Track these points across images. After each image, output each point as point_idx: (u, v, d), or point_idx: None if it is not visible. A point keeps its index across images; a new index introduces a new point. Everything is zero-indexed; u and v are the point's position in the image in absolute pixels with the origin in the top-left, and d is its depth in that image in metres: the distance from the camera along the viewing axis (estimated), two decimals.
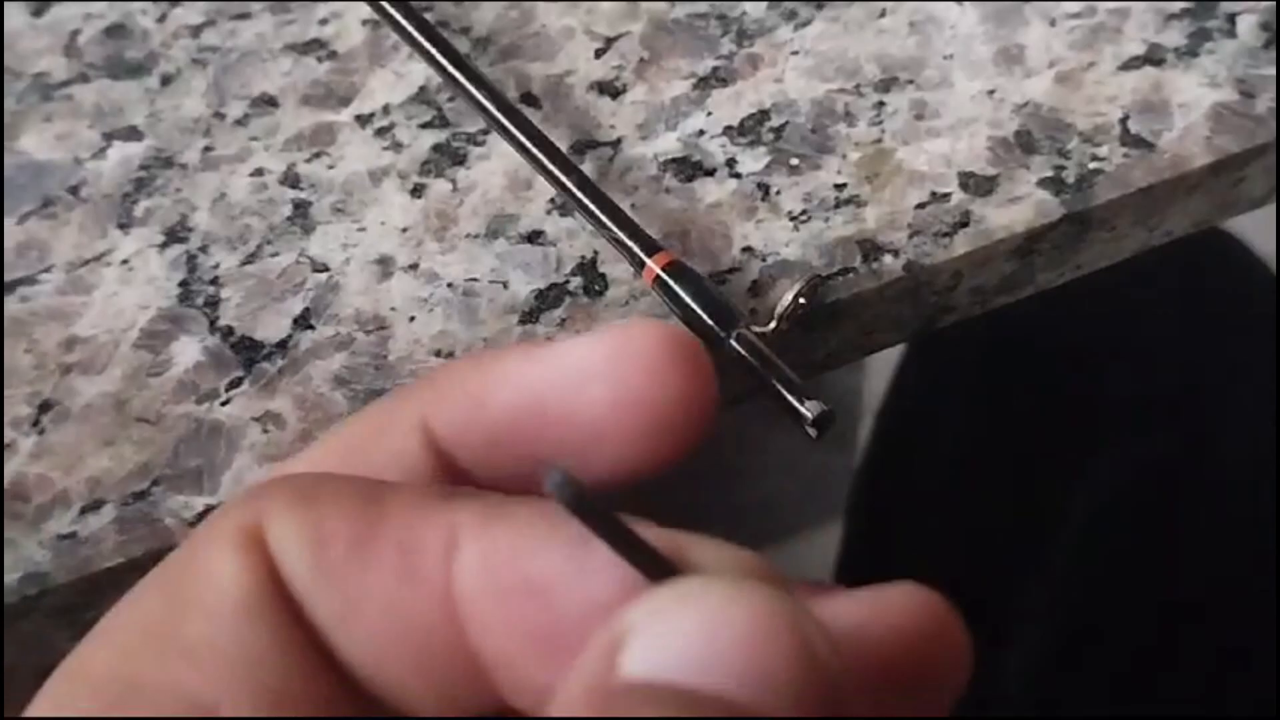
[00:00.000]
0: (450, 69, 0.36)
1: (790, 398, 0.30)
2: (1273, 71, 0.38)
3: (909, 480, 0.71)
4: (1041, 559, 0.62)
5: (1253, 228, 0.66)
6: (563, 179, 0.34)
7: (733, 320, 0.32)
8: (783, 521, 1.18)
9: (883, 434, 0.72)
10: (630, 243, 0.33)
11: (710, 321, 0.32)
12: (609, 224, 0.33)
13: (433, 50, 0.37)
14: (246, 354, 0.35)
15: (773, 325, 0.32)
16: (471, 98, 0.36)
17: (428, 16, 0.41)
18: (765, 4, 0.41)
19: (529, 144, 0.35)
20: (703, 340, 0.31)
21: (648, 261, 0.33)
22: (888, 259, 0.36)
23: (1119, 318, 0.65)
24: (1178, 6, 0.39)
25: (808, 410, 0.30)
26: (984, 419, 0.68)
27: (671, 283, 0.32)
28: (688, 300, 0.32)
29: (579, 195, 0.34)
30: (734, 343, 0.31)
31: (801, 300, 0.32)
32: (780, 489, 1.16)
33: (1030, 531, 0.63)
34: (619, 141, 0.38)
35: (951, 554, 0.67)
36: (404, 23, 0.37)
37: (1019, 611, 0.61)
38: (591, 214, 0.34)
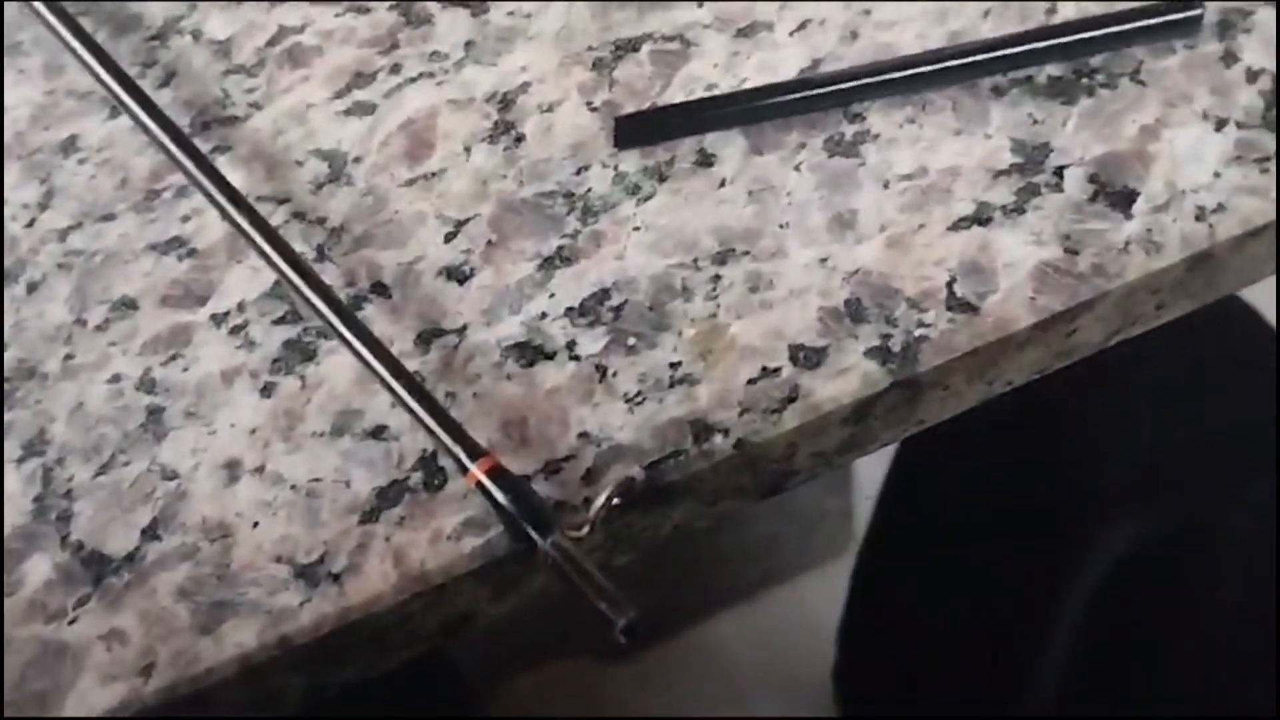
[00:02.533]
0: (287, 272, 0.37)
1: (601, 605, 0.31)
2: (1098, 226, 0.39)
3: (912, 557, 0.72)
4: (1046, 635, 0.62)
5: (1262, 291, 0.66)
6: (392, 384, 0.35)
7: (548, 527, 0.32)
8: (786, 561, 1.20)
9: (886, 508, 0.73)
10: (454, 447, 0.34)
11: (527, 528, 0.32)
12: (435, 429, 0.34)
13: (271, 253, 0.38)
14: (95, 569, 0.36)
15: (586, 530, 0.32)
16: (308, 302, 0.37)
17: (285, 207, 0.42)
18: (610, 179, 0.42)
19: (361, 348, 0.36)
20: (521, 544, 0.32)
21: (470, 467, 0.34)
22: (718, 439, 0.36)
23: (1121, 390, 0.65)
24: (1007, 162, 0.40)
25: (617, 619, 0.31)
26: (986, 495, 0.68)
27: (491, 489, 0.33)
28: (505, 506, 0.33)
29: (408, 400, 0.35)
30: (549, 549, 0.32)
31: (616, 500, 0.33)
32: (783, 532, 1.17)
33: (1034, 609, 0.63)
34: (464, 328, 0.39)
35: (955, 633, 0.67)
36: (244, 225, 0.38)
37: (1027, 685, 0.62)
38: (419, 419, 0.34)
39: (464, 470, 0.34)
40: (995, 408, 0.55)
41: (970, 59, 0.42)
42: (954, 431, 0.66)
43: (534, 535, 0.32)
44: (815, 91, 0.43)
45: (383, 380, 0.35)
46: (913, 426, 0.39)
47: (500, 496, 0.33)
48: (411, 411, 0.35)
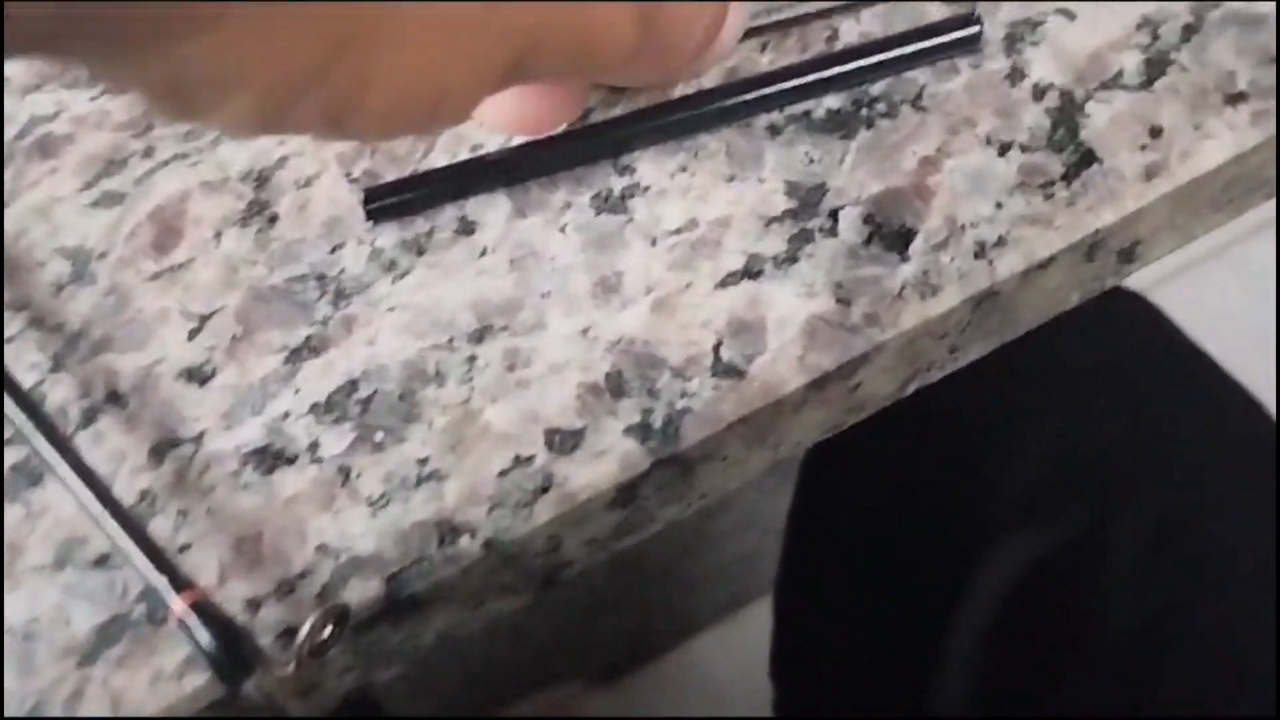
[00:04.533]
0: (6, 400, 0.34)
1: None
2: (872, 271, 0.36)
3: (824, 582, 0.70)
4: (943, 655, 0.60)
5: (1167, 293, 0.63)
6: (96, 513, 0.32)
7: (247, 669, 0.29)
8: (765, 575, 1.19)
9: (794, 532, 0.71)
10: (157, 580, 0.31)
11: (230, 669, 0.29)
12: (137, 561, 0.31)
13: None
14: None
15: (292, 666, 0.29)
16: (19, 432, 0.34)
17: (23, 314, 0.39)
18: (365, 257, 0.39)
19: (71, 478, 0.33)
20: (223, 682, 0.29)
21: (170, 603, 0.30)
22: (464, 540, 0.33)
23: (1022, 392, 0.63)
24: (780, 207, 0.37)
25: None
26: (884, 512, 0.66)
27: (190, 627, 0.30)
28: (204, 647, 0.30)
29: (111, 529, 0.32)
30: (251, 690, 0.29)
31: (327, 631, 0.30)
32: (759, 545, 1.17)
33: (929, 630, 0.61)
34: (202, 435, 0.36)
35: (866, 657, 0.65)
36: None
37: (932, 699, 0.59)
38: (121, 548, 0.31)
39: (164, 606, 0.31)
40: (893, 417, 0.52)
41: (743, 96, 0.39)
42: (855, 444, 0.63)
43: (237, 677, 0.29)
44: (581, 144, 0.39)
45: (89, 510, 0.32)
46: (696, 500, 0.36)
47: (201, 635, 0.30)
48: (114, 541, 0.31)
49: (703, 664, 1.21)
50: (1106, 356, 0.65)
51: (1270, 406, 0.63)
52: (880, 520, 0.67)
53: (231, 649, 0.30)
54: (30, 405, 0.34)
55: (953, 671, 0.60)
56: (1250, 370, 0.67)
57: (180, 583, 0.31)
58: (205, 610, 0.30)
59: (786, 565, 0.73)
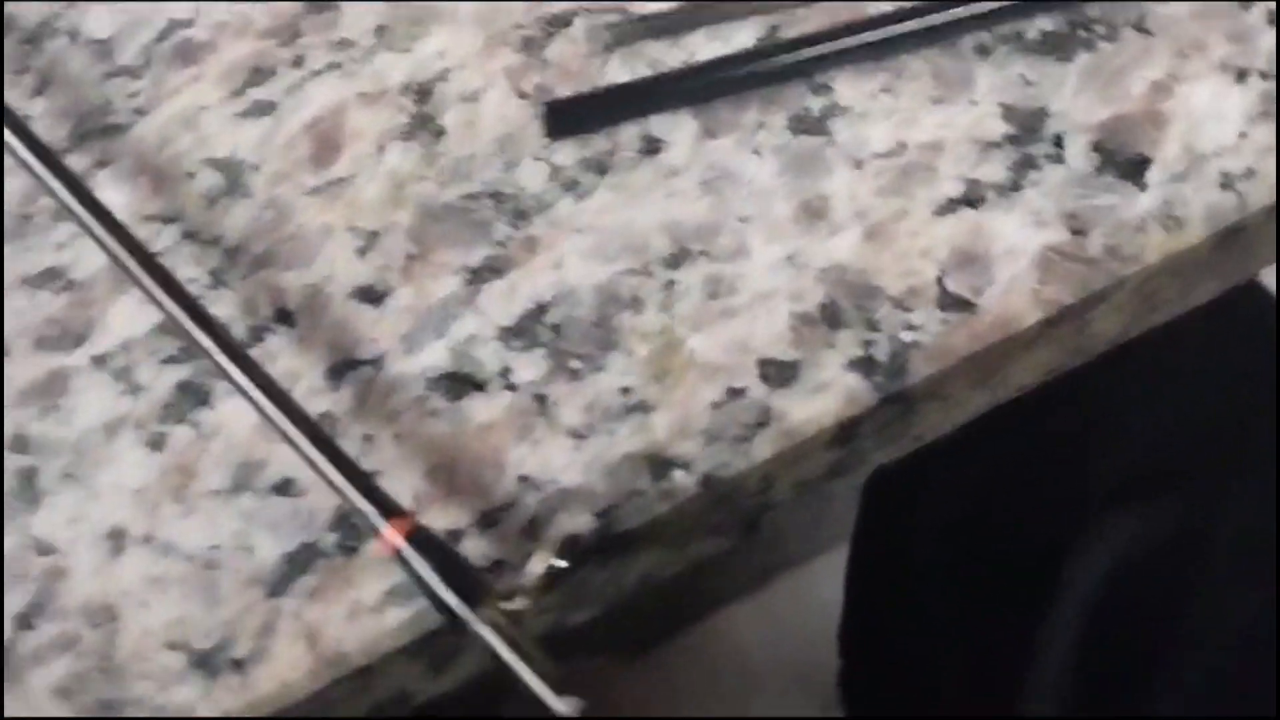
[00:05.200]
0: (170, 308, 0.32)
1: (541, 694, 0.25)
2: (1108, 201, 0.33)
3: (902, 560, 0.68)
4: (1042, 638, 0.58)
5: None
6: (291, 434, 0.29)
7: (476, 600, 0.27)
8: (794, 549, 1.18)
9: (868, 514, 0.69)
10: (365, 507, 0.28)
11: (453, 601, 0.27)
12: (342, 486, 0.29)
13: (152, 287, 0.32)
14: None
15: (522, 601, 0.27)
16: (196, 342, 0.31)
17: (174, 226, 0.36)
18: (544, 175, 0.36)
19: (255, 393, 0.30)
20: (446, 618, 0.27)
21: (384, 531, 0.28)
22: (680, 475, 0.31)
23: (1111, 377, 0.61)
24: (998, 132, 0.35)
25: (562, 709, 0.25)
26: (970, 502, 0.64)
27: (408, 557, 0.28)
28: (426, 579, 0.27)
29: (309, 453, 0.29)
30: (479, 626, 0.27)
31: (560, 564, 0.28)
32: (789, 519, 1.16)
33: (1026, 616, 0.59)
34: (381, 358, 0.34)
35: (951, 640, 0.63)
36: (124, 259, 0.33)
37: (1025, 691, 0.58)
38: (324, 474, 0.29)
39: (377, 535, 0.28)
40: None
41: (950, 15, 0.37)
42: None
43: (462, 612, 0.27)
44: (774, 62, 0.37)
45: (281, 430, 0.30)
46: (910, 443, 0.34)
47: (419, 566, 0.27)
48: (315, 466, 0.29)
49: (732, 635, 1.20)
50: (1216, 344, 0.62)
51: None
52: (968, 504, 0.64)
53: (455, 580, 0.27)
54: (204, 318, 0.32)
55: (1045, 664, 0.58)
56: None
57: (391, 509, 0.28)
58: (423, 539, 0.28)
59: (860, 540, 0.71)
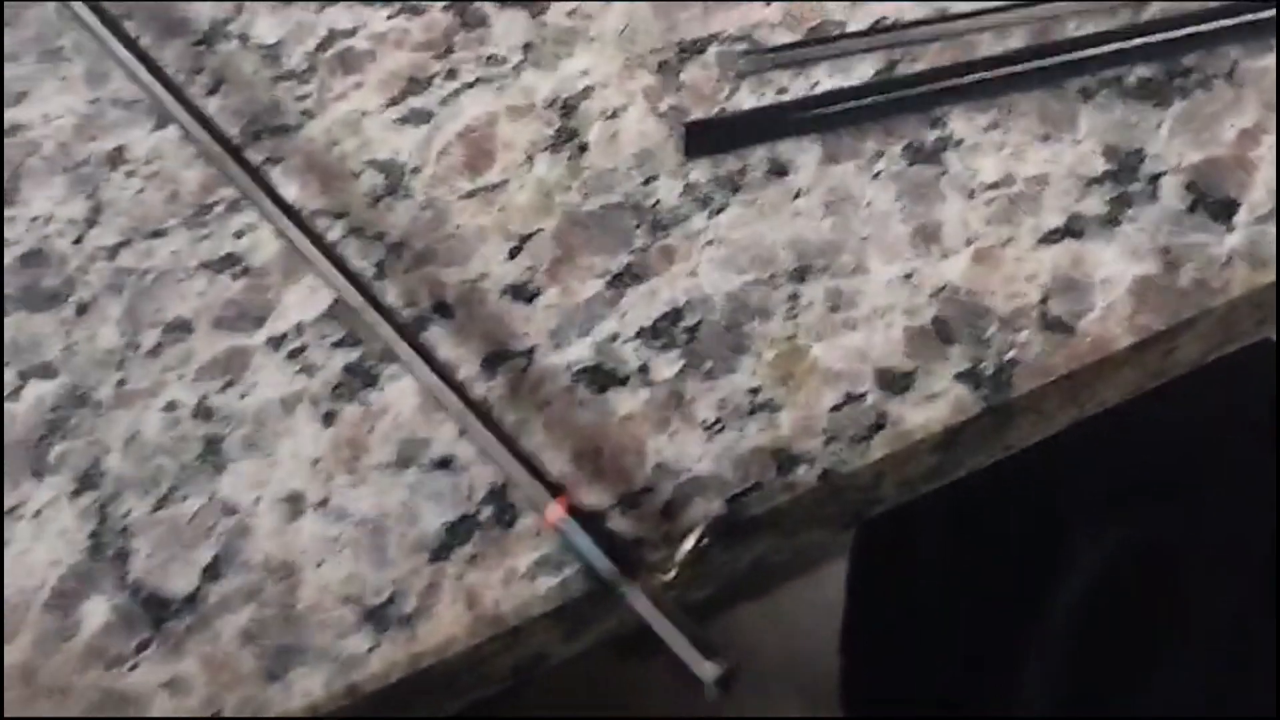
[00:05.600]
0: (349, 293, 0.36)
1: (688, 661, 0.29)
2: (1199, 239, 0.37)
3: (900, 564, 0.70)
4: (1032, 645, 0.61)
5: None
6: (463, 413, 0.33)
7: (634, 572, 0.31)
8: (796, 558, 1.19)
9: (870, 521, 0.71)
10: (531, 484, 0.32)
11: (611, 574, 0.31)
12: (509, 464, 0.33)
13: (330, 272, 0.36)
14: (155, 612, 0.34)
15: (674, 573, 0.31)
16: (369, 325, 0.35)
17: (343, 221, 0.40)
18: (679, 191, 0.40)
19: (430, 375, 0.34)
20: (604, 588, 0.30)
21: (548, 507, 0.32)
22: (802, 469, 0.35)
23: None
24: (1099, 169, 0.38)
25: (707, 672, 0.29)
26: (968, 506, 0.66)
27: (570, 532, 0.31)
28: (585, 552, 0.31)
29: (480, 432, 0.33)
30: (635, 595, 0.30)
31: (705, 541, 0.31)
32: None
33: (1025, 614, 0.62)
34: (532, 351, 0.38)
35: (946, 644, 0.66)
36: (301, 242, 0.37)
37: (1018, 697, 0.60)
38: (492, 453, 0.33)
39: (538, 506, 0.32)
40: None
41: (1057, 59, 0.40)
42: None
43: (618, 582, 0.30)
44: (893, 95, 0.41)
45: (453, 410, 0.34)
46: (999, 452, 0.37)
47: (581, 540, 0.31)
48: (484, 445, 0.33)
49: (740, 632, 1.21)
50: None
51: None
52: (965, 508, 0.66)
53: (614, 554, 0.31)
54: (379, 302, 0.36)
55: (1041, 665, 0.60)
56: None
57: (553, 485, 0.32)
58: (583, 515, 0.32)
59: (859, 545, 0.73)
